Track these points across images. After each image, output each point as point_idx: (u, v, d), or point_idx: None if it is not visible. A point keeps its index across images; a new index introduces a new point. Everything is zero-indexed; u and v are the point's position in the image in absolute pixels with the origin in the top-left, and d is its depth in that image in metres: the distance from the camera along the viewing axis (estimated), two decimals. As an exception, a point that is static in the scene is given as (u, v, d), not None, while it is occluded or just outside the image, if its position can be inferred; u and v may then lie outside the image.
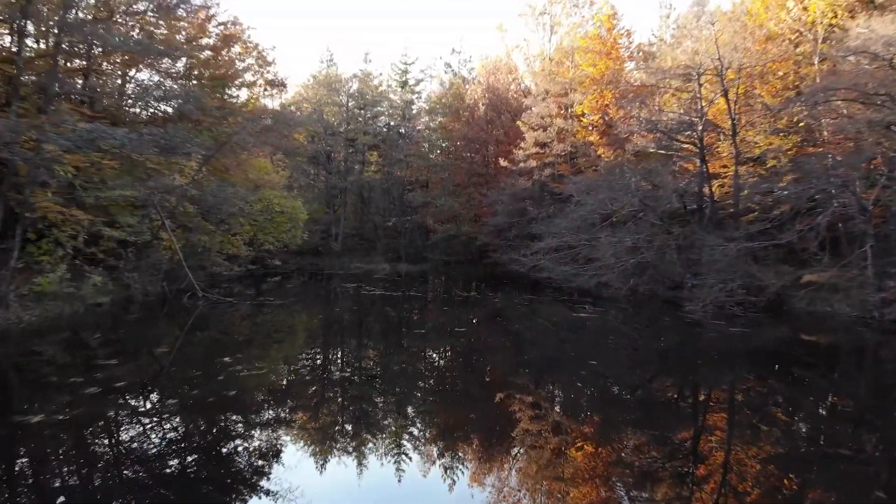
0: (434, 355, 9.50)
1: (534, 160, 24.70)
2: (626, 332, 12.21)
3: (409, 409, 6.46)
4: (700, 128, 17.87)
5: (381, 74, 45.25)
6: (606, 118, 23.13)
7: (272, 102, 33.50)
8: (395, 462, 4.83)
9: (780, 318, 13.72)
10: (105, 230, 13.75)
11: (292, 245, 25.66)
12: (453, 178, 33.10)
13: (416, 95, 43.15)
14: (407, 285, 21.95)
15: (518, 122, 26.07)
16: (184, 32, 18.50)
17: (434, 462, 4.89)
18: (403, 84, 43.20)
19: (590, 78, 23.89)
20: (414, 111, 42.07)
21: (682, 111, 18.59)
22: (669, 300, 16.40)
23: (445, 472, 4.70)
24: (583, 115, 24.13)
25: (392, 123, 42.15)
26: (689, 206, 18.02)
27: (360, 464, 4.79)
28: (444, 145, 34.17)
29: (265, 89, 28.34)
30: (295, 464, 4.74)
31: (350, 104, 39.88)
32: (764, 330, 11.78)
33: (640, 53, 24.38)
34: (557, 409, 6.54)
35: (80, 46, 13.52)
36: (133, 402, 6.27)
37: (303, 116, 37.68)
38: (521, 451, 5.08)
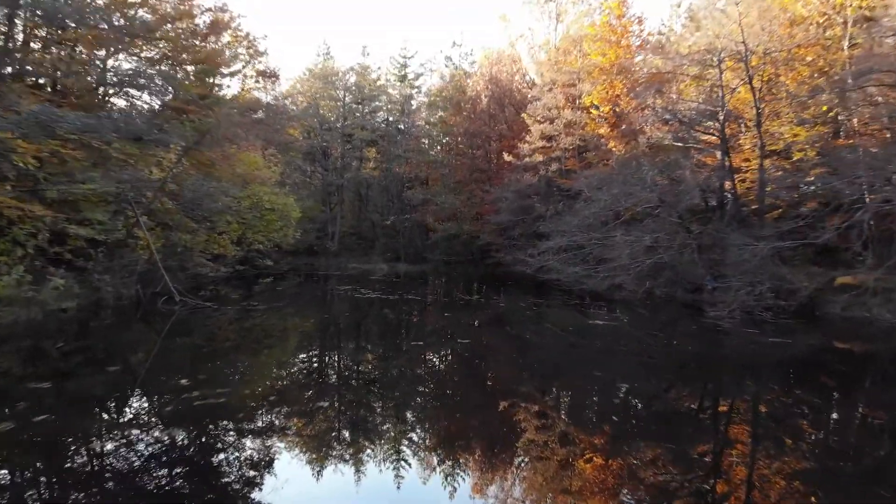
0: (434, 371, 8.30)
1: (540, 154, 23.48)
2: (641, 338, 11.23)
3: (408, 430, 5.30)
4: (721, 118, 16.66)
5: (379, 68, 44.06)
6: (617, 109, 21.93)
7: (266, 96, 32.33)
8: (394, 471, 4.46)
9: (812, 324, 12.62)
10: (71, 228, 12.56)
11: (285, 244, 24.50)
12: (454, 175, 31.89)
13: (416, 90, 41.95)
14: (405, 287, 20.75)
15: (523, 115, 24.85)
16: (168, 18, 17.30)
17: (435, 473, 4.59)
18: (402, 78, 42.00)
19: (599, 68, 22.68)
20: (413, 106, 40.87)
21: (701, 100, 17.36)
22: (688, 304, 15.28)
23: (446, 485, 4.37)
24: (592, 106, 22.91)
25: (391, 119, 40.97)
26: (710, 203, 16.80)
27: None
28: (444, 141, 32.92)
29: (256, 80, 27.19)
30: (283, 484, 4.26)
31: (347, 99, 38.68)
32: (794, 337, 10.77)
33: (652, 42, 23.13)
34: (565, 418, 6.11)
35: (41, 19, 12.26)
36: (99, 416, 5.72)
37: (297, 110, 36.58)
38: (527, 462, 4.82)
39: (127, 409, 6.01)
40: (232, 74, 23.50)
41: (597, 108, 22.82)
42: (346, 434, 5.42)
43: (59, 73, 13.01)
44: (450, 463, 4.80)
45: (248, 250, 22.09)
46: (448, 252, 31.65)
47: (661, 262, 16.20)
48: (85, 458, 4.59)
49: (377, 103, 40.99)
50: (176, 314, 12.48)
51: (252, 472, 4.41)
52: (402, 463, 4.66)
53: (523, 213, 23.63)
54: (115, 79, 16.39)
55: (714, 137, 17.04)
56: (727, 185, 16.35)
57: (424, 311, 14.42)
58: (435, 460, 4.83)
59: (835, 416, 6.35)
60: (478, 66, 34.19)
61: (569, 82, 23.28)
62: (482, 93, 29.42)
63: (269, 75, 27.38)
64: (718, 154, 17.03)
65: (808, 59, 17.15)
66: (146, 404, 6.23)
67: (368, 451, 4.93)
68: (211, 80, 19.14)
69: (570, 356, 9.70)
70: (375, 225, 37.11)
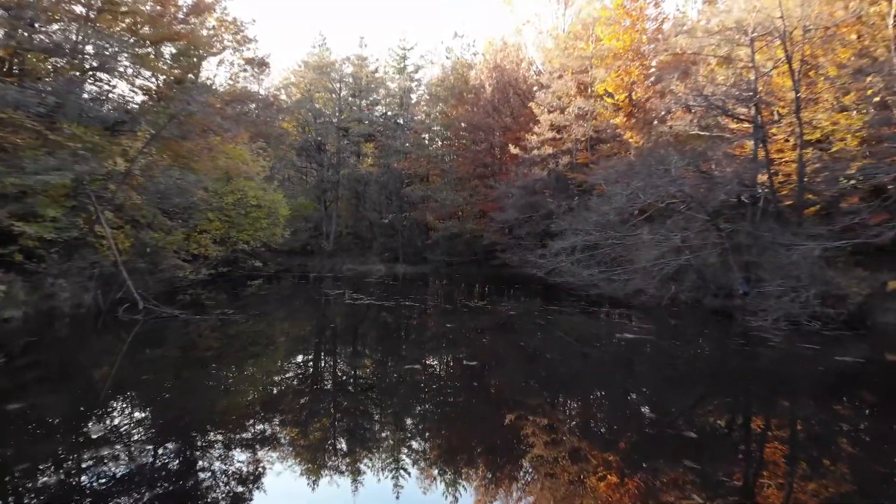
0: (436, 409, 6.74)
1: (549, 146, 21.92)
2: (665, 349, 10.01)
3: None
4: (754, 103, 15.12)
5: (377, 60, 42.63)
6: (634, 97, 20.38)
7: (257, 87, 30.83)
8: None
9: (862, 334, 11.19)
10: (16, 226, 11.04)
11: (273, 244, 22.99)
12: (456, 171, 30.33)
13: (416, 83, 40.47)
14: (403, 291, 19.22)
15: (530, 105, 23.29)
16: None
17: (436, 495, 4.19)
18: (401, 70, 40.54)
19: (612, 53, 21.12)
20: (413, 100, 39.36)
21: (731, 83, 15.79)
22: (718, 310, 13.87)
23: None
24: (605, 94, 21.34)
25: (389, 113, 39.48)
26: (743, 198, 15.23)
27: None
28: (445, 134, 31.30)
29: (244, 69, 25.67)
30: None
31: (343, 92, 37.20)
32: (839, 348, 9.52)
33: (673, 21, 21.54)
34: (578, 434, 5.58)
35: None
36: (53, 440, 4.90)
37: (290, 103, 35.09)
38: (535, 480, 4.50)
39: (81, 432, 5.19)
40: (219, 62, 22.03)
41: (611, 95, 21.26)
42: (336, 461, 4.76)
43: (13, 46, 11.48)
44: (452, 484, 4.41)
45: (234, 250, 20.57)
46: (449, 252, 30.12)
47: (687, 264, 14.68)
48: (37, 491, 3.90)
49: (375, 96, 39.53)
50: (141, 324, 10.99)
51: None
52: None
53: (531, 211, 22.07)
54: (80, 58, 14.89)
55: (746, 125, 15.48)
56: (761, 177, 14.78)
57: (423, 319, 12.87)
58: (436, 485, 4.37)
59: (880, 436, 5.73)
60: (481, 54, 32.70)
61: (580, 69, 21.70)
62: (486, 82, 27.82)
63: (259, 63, 25.84)
64: (750, 144, 15.47)
65: (850, 37, 15.58)
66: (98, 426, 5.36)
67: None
68: (188, 63, 17.58)
69: (586, 368, 8.84)
70: (373, 224, 35.61)
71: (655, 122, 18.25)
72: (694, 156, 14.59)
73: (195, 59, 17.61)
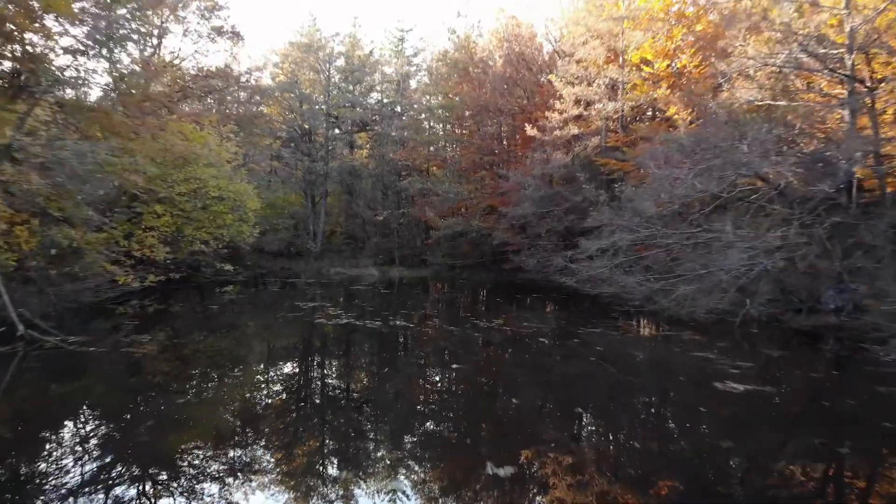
0: None
1: (575, 125, 18.53)
2: (744, 375, 7.28)
3: None
4: (850, 63, 11.77)
5: (372, 42, 39.45)
6: (679, 65, 17.04)
7: (235, 64, 27.61)
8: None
9: None
10: None
11: (243, 244, 19.68)
12: (460, 160, 26.98)
13: (414, 67, 37.19)
14: (396, 302, 15.87)
15: (550, 77, 19.92)
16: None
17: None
18: (399, 54, 37.21)
19: (649, 14, 17.76)
20: (412, 86, 36.04)
21: (815, 38, 12.39)
22: (804, 331, 10.61)
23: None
24: (642, 62, 17.97)
25: (385, 101, 36.17)
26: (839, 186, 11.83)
27: None
28: (448, 118, 27.83)
29: (212, 39, 22.40)
30: None
31: (335, 78, 33.90)
32: None
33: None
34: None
35: None
36: None
37: (273, 85, 31.81)
38: None
39: None
40: (184, 32, 18.83)
41: (649, 64, 17.88)
42: None
43: None
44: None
45: (192, 252, 17.23)
46: (452, 254, 26.76)
47: (765, 271, 11.31)
48: None
49: (369, 81, 36.20)
50: (20, 358, 7.75)
51: None
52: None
53: (551, 204, 18.70)
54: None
55: (840, 89, 12.14)
56: (869, 159, 11.39)
57: (416, 354, 9.47)
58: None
59: None
60: (491, 24, 29.19)
61: (611, 32, 18.30)
62: (496, 52, 24.36)
63: (230, 34, 22.57)
64: (845, 114, 12.09)
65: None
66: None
67: None
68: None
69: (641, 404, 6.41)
70: (366, 222, 32.27)
71: (714, 92, 14.89)
72: (781, 127, 11.20)
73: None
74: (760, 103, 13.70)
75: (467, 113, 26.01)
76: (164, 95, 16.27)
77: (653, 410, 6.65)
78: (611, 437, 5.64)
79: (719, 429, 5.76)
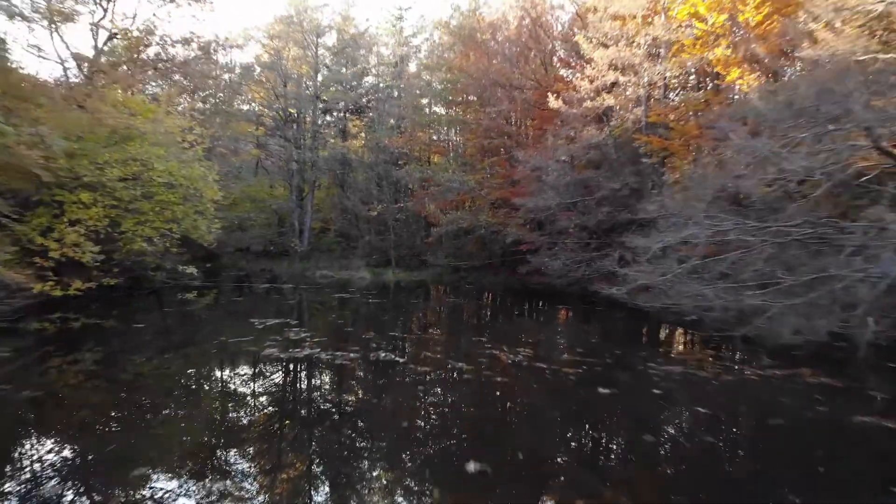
0: None
1: (609, 96, 15.23)
2: None
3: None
4: None
5: (367, 21, 36.26)
6: (741, 19, 13.79)
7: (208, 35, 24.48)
8: None
9: None
10: None
11: (202, 241, 16.46)
12: (464, 145, 23.74)
13: (414, 49, 33.99)
14: (385, 318, 12.64)
15: (576, 38, 16.62)
16: None
17: None
18: (397, 33, 33.98)
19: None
20: (412, 70, 32.81)
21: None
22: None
23: None
24: (693, 18, 14.70)
25: (382, 85, 32.95)
26: None
27: None
28: (450, 93, 24.48)
29: (174, 1, 19.24)
30: None
31: (325, 56, 30.73)
32: None
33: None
34: None
35: None
36: None
37: (255, 63, 28.67)
38: None
39: None
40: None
41: (702, 19, 14.61)
42: None
43: None
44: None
45: (132, 252, 14.01)
46: (456, 254, 23.53)
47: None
48: None
49: (363, 60, 33.02)
50: None
51: None
52: None
53: (579, 193, 15.42)
54: None
55: None
56: None
57: (402, 437, 6.20)
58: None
59: None
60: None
61: (654, -18, 15.01)
62: (509, 13, 20.97)
63: (194, -7, 19.40)
64: None
65: None
66: None
67: None
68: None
69: None
70: (358, 218, 29.07)
71: (792, 45, 11.66)
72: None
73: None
74: (863, 57, 10.43)
75: (473, 97, 22.63)
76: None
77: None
78: None
79: None
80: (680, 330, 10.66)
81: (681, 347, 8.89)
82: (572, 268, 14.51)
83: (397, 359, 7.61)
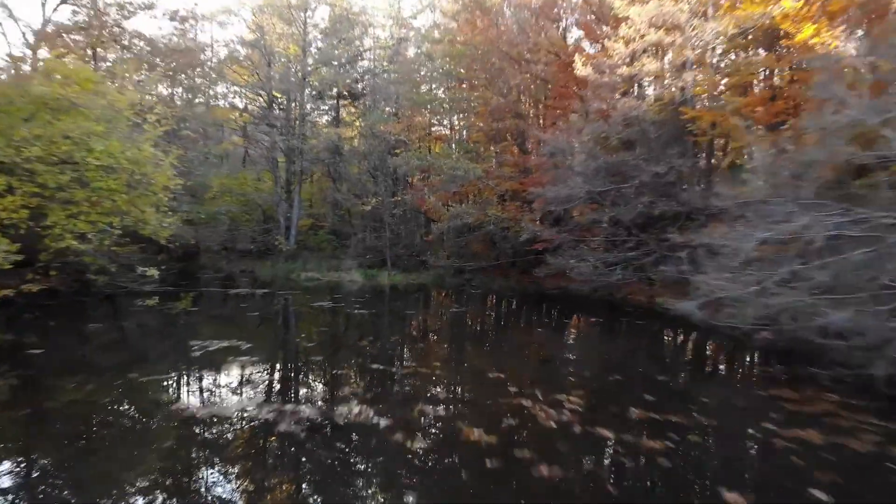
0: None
1: (650, 60, 12.55)
2: None
3: None
4: None
5: (363, -2, 33.44)
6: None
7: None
8: None
9: None
10: None
11: (155, 237, 13.78)
12: (470, 129, 21.11)
13: (413, 31, 31.35)
14: (368, 340, 9.99)
15: (606, -4, 13.97)
16: None
17: None
18: (395, 13, 31.35)
19: None
20: (410, 55, 30.18)
21: None
22: None
23: None
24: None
25: (378, 70, 30.33)
26: None
27: None
28: (453, 70, 21.75)
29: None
30: None
31: (315, 35, 28.11)
32: None
33: None
34: None
35: None
36: None
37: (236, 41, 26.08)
38: None
39: None
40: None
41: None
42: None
43: None
44: None
45: (64, 252, 11.39)
46: (460, 254, 20.91)
47: None
48: None
49: (357, 40, 30.37)
50: None
51: None
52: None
53: (611, 181, 12.75)
54: None
55: None
56: None
57: None
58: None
59: None
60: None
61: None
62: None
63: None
64: None
65: None
66: None
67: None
68: None
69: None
70: (351, 213, 26.47)
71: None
72: None
73: None
74: None
75: (478, 75, 19.90)
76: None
77: None
78: None
79: None
80: (753, 354, 8.03)
81: (791, 391, 6.25)
82: (603, 271, 11.88)
83: (375, 421, 4.91)
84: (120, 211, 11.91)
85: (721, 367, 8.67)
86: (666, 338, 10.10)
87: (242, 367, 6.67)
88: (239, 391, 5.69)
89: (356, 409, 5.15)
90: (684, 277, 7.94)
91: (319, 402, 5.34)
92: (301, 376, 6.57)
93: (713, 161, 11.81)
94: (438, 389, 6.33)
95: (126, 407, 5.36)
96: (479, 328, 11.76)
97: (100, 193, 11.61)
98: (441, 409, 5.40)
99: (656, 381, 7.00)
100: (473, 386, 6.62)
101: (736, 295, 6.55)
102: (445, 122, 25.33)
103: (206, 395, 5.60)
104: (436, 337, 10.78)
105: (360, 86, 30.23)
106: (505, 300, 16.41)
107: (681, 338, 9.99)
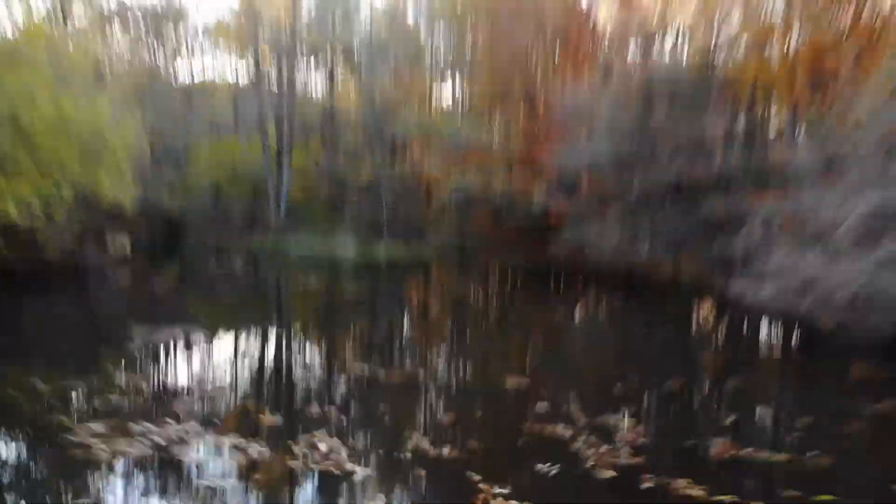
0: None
1: (684, 8, 10.80)
2: None
3: None
4: None
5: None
6: None
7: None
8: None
9: None
10: None
11: (119, 202, 12.11)
12: (474, 92, 19.34)
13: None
14: (354, 328, 8.51)
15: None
16: None
17: None
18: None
19: None
20: (409, 21, 28.13)
21: None
22: None
23: None
24: None
25: (374, 31, 28.32)
26: None
27: None
28: (457, 26, 19.83)
29: None
30: None
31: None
32: None
33: None
34: None
35: None
36: None
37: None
38: None
39: None
40: None
41: None
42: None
43: None
44: None
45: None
46: (463, 228, 19.39)
47: None
48: None
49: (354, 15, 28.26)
50: None
51: None
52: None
53: (640, 144, 11.11)
54: None
55: None
56: None
57: None
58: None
59: None
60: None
61: None
62: None
63: None
64: None
65: None
66: None
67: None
68: None
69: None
70: (346, 183, 24.77)
71: None
72: None
73: None
74: None
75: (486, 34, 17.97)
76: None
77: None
78: None
79: None
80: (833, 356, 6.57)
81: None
82: (635, 245, 10.39)
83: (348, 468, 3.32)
84: (69, 176, 10.28)
85: (778, 357, 7.18)
86: (685, 317, 8.64)
87: (199, 359, 5.21)
88: (172, 413, 4.24)
89: (324, 449, 3.66)
90: (747, 254, 6.42)
91: (267, 447, 3.87)
92: (245, 403, 5.02)
93: (760, 121, 10.16)
94: (443, 409, 4.86)
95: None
96: (489, 315, 10.29)
97: (48, 155, 10.01)
98: (448, 448, 3.88)
99: (720, 385, 5.52)
100: (490, 404, 5.12)
101: (833, 278, 5.04)
102: (447, 84, 23.48)
103: (106, 432, 4.17)
104: (438, 326, 9.30)
105: (355, 42, 28.26)
106: (514, 277, 14.96)
107: (700, 313, 8.51)
